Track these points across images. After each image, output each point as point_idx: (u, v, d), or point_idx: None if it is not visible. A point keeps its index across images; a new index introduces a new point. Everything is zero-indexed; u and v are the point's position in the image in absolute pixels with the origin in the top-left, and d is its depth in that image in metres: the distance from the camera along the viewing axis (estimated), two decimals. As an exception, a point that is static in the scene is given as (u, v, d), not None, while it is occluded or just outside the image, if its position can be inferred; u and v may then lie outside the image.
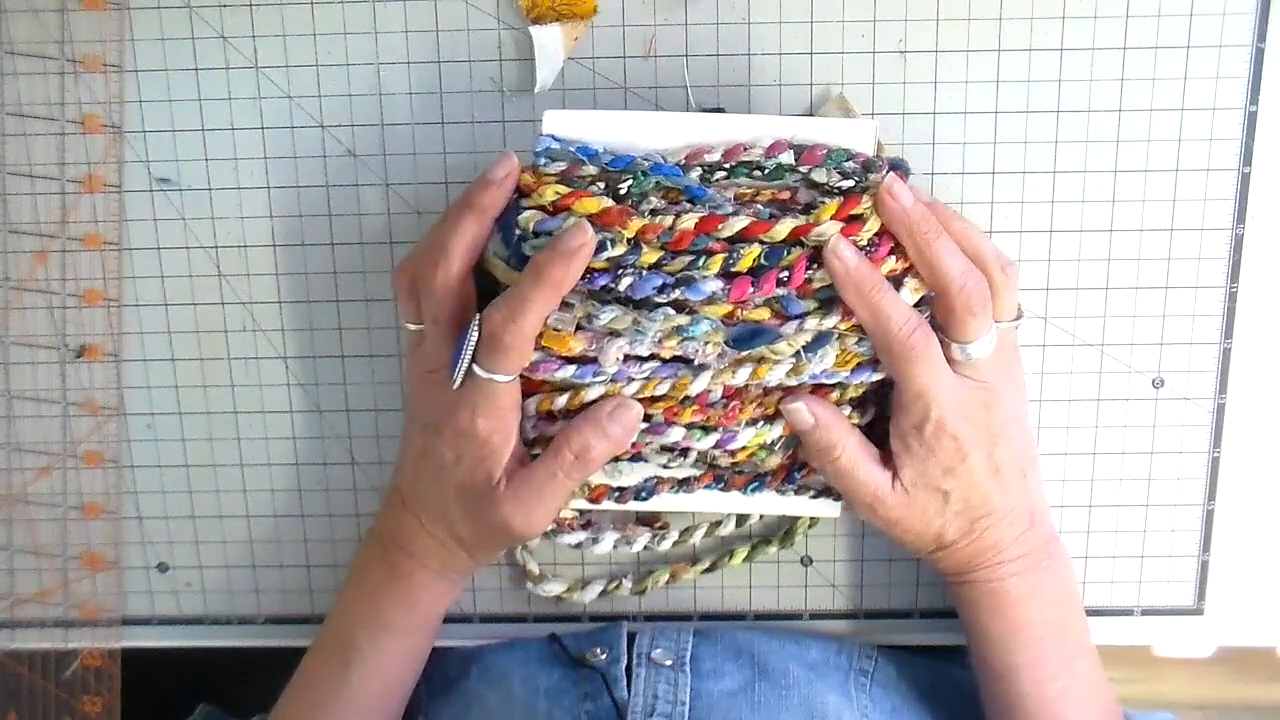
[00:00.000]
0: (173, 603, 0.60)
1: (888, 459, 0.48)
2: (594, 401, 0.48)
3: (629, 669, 0.54)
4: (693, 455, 0.50)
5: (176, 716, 0.60)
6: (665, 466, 0.50)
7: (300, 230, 0.55)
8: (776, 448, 0.49)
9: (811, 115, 0.53)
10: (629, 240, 0.45)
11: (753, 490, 0.51)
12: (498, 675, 0.55)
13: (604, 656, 0.55)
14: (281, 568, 0.59)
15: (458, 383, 0.46)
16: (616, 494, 0.52)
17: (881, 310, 0.45)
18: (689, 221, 0.45)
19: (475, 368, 0.46)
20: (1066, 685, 0.50)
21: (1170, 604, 0.58)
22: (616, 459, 0.49)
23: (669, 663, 0.54)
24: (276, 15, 0.53)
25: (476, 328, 0.46)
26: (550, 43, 0.52)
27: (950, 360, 0.47)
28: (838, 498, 0.51)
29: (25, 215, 0.56)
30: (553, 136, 0.47)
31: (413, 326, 0.49)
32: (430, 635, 0.54)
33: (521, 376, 0.47)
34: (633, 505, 0.52)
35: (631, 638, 0.56)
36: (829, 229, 0.45)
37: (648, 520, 0.56)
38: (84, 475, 0.58)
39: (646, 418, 0.48)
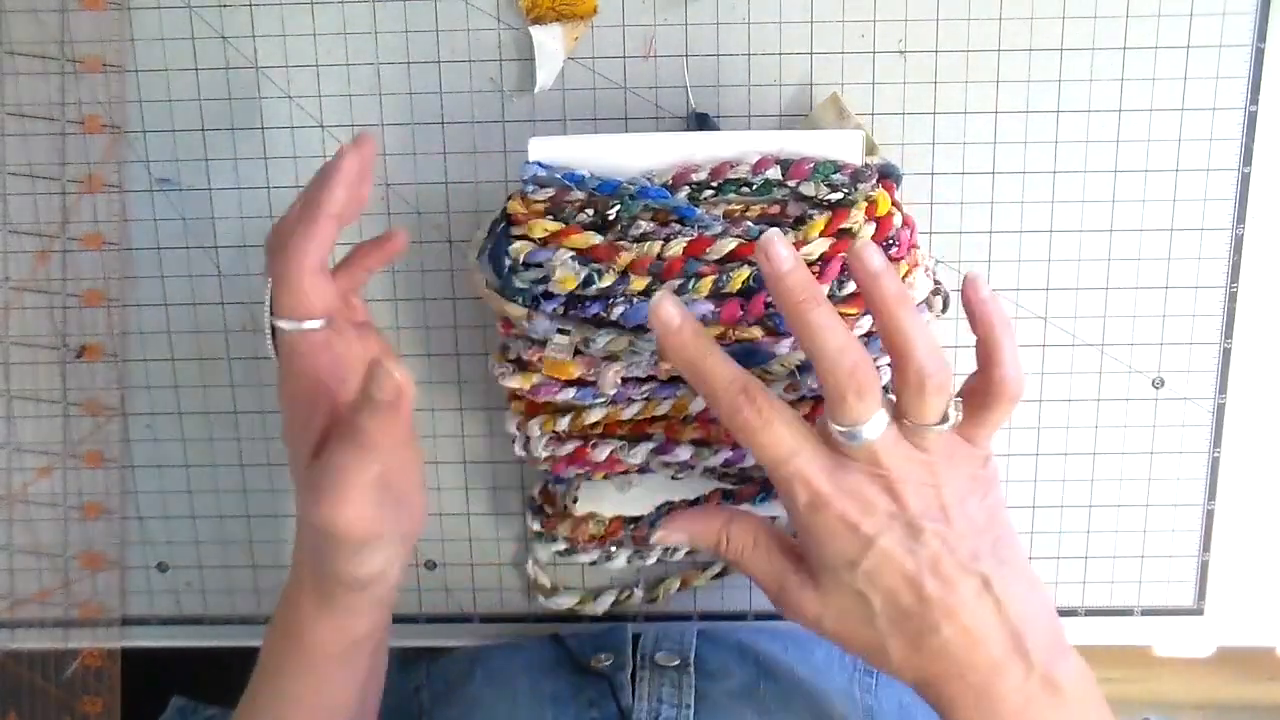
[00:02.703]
0: (173, 603, 0.60)
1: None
2: (597, 423, 0.47)
3: (633, 673, 0.54)
4: (701, 466, 0.50)
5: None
6: (674, 478, 0.50)
7: (300, 230, 0.55)
8: None
9: (807, 116, 0.53)
10: (619, 271, 0.45)
11: (760, 501, 0.51)
12: (503, 680, 0.55)
13: (608, 662, 0.54)
14: (281, 568, 0.59)
15: (269, 345, 0.45)
16: (631, 526, 0.52)
17: (704, 367, 0.41)
18: (677, 247, 0.45)
19: (278, 322, 0.44)
20: None
21: (1170, 604, 0.58)
22: (624, 471, 0.49)
23: (674, 664, 0.54)
24: (276, 15, 0.53)
25: (269, 279, 0.44)
26: (550, 43, 0.52)
27: (836, 445, 0.41)
28: None
29: (25, 215, 0.56)
30: (539, 163, 0.47)
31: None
32: (358, 664, 0.47)
33: (525, 399, 0.48)
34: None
35: (635, 639, 0.56)
36: (816, 248, 0.45)
37: None
38: (84, 475, 0.58)
39: (649, 437, 0.48)
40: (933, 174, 0.53)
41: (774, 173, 0.46)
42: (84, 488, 0.58)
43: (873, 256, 0.40)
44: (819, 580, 0.42)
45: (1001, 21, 0.52)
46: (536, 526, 0.55)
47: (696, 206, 0.47)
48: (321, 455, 0.43)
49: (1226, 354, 0.55)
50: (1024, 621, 0.41)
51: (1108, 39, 0.52)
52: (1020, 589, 0.41)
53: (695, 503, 0.52)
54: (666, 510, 0.52)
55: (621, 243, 0.45)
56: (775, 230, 0.41)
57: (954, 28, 0.52)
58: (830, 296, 0.45)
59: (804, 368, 0.46)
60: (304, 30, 0.53)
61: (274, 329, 0.44)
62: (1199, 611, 0.58)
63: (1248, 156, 0.53)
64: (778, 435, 0.41)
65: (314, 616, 0.45)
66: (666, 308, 0.41)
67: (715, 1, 0.52)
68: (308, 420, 0.44)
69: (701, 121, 0.53)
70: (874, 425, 0.40)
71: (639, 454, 0.48)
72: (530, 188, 0.47)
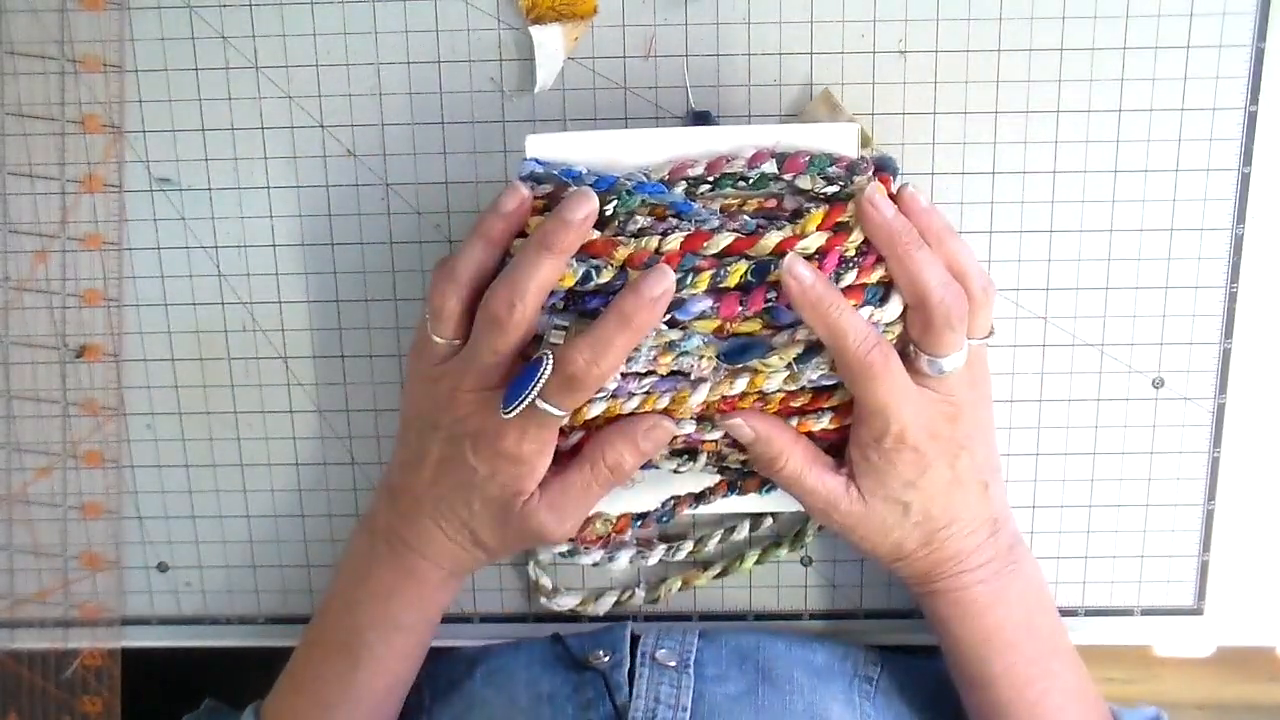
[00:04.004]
0: (173, 603, 0.60)
1: (844, 464, 0.49)
2: (598, 417, 0.48)
3: (631, 671, 0.54)
4: (702, 459, 0.50)
5: (176, 716, 0.60)
6: (676, 471, 0.50)
7: (300, 230, 0.55)
8: None
9: (800, 113, 0.53)
10: (616, 267, 0.45)
11: (766, 491, 0.51)
12: (502, 678, 0.55)
13: (607, 659, 0.54)
14: (281, 568, 0.59)
15: (515, 414, 0.45)
16: (639, 522, 0.53)
17: (839, 328, 0.45)
18: (674, 242, 0.45)
19: (539, 402, 0.45)
20: (1045, 688, 0.50)
21: (1170, 604, 0.58)
22: None
23: (673, 664, 0.54)
24: (276, 15, 0.53)
25: (550, 365, 0.44)
26: (550, 43, 0.52)
27: (918, 372, 0.47)
28: None
29: (25, 215, 0.56)
30: (536, 160, 0.47)
31: (441, 340, 0.48)
32: (434, 630, 0.54)
33: None
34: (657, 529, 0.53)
35: (635, 639, 0.56)
36: (813, 241, 0.45)
37: (663, 533, 0.57)
38: (84, 475, 0.58)
39: None
40: (933, 174, 0.53)
41: (770, 167, 0.47)
42: (84, 488, 0.58)
43: (919, 195, 0.46)
44: (866, 496, 0.48)
45: (1001, 21, 0.52)
46: None
47: (693, 201, 0.47)
48: (560, 482, 0.48)
49: (1226, 354, 0.55)
50: (1002, 513, 0.51)
51: (1108, 39, 0.52)
52: (1002, 488, 0.51)
53: (701, 496, 0.53)
54: (673, 504, 0.52)
55: (619, 238, 0.45)
56: (876, 184, 0.45)
57: (954, 28, 0.52)
58: None
59: (802, 359, 0.46)
60: (304, 30, 0.53)
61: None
62: (1199, 611, 0.58)
63: (1248, 156, 0.53)
64: (894, 384, 0.46)
65: (446, 586, 0.52)
66: (799, 268, 0.44)
67: (715, 1, 0.52)
68: (539, 468, 0.48)
69: (702, 119, 0.53)
70: (958, 358, 0.46)
71: None
72: (528, 185, 0.47)
